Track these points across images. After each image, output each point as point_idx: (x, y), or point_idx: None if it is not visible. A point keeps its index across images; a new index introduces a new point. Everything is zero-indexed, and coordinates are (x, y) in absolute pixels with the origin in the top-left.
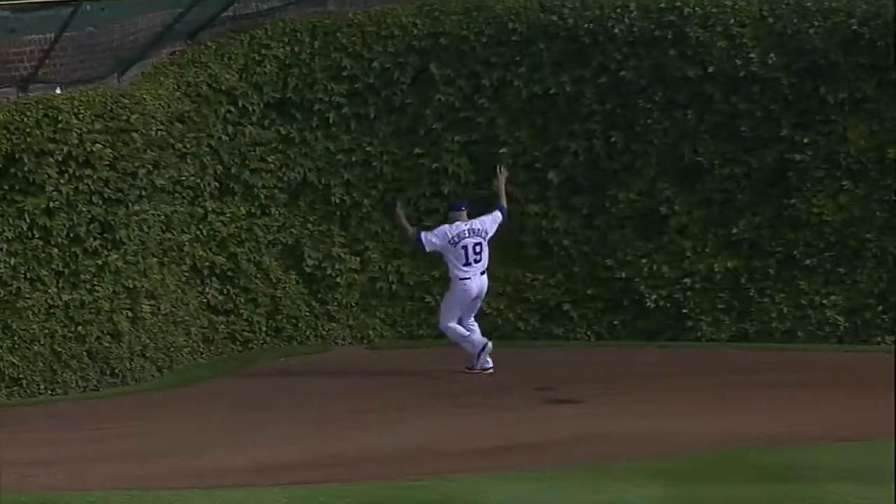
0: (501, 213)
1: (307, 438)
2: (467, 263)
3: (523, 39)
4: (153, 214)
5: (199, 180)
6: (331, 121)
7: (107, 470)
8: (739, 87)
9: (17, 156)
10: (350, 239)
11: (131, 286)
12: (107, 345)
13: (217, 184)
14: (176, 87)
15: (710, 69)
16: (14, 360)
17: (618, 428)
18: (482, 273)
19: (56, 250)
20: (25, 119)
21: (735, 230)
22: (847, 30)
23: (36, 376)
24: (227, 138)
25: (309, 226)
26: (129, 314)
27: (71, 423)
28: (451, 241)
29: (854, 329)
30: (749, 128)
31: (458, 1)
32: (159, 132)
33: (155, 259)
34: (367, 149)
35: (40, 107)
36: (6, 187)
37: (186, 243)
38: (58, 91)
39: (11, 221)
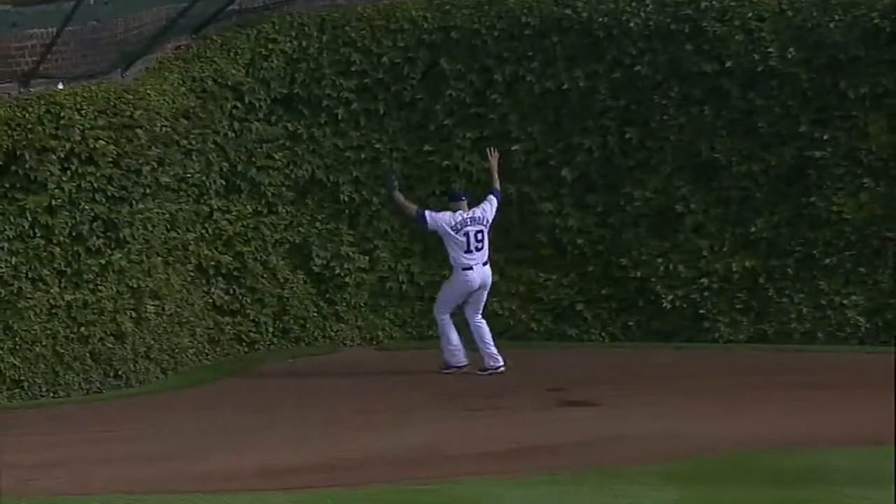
0: (496, 196)
1: (314, 441)
2: (469, 251)
3: (536, 33)
4: (157, 213)
5: (204, 178)
6: (339, 117)
7: (110, 473)
8: (757, 83)
9: (18, 152)
10: (359, 238)
11: (135, 286)
12: (110, 346)
13: (223, 181)
14: (181, 82)
15: (728, 64)
16: (15, 362)
17: (632, 430)
18: (485, 264)
19: (58, 249)
20: (27, 115)
21: (753, 229)
22: (868, 24)
23: (38, 378)
24: (233, 135)
25: (317, 224)
26: (133, 314)
27: (73, 425)
28: (454, 228)
29: (875, 330)
30: (767, 124)
31: None
32: (164, 128)
33: (159, 258)
34: (377, 145)
35: (42, 102)
36: (7, 185)
37: (192, 242)
38: (60, 86)
39: (13, 220)
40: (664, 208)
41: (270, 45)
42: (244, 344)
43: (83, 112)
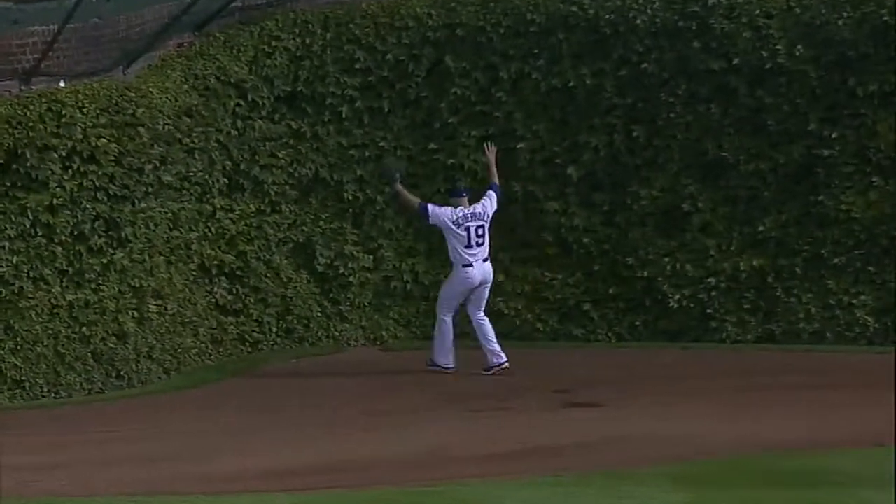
0: (495, 191)
1: (318, 442)
2: (469, 246)
3: (542, 31)
4: (160, 211)
5: (207, 176)
6: (343, 115)
7: (112, 475)
8: (765, 80)
9: (19, 151)
10: (363, 237)
11: (137, 285)
12: (112, 346)
13: (226, 180)
14: (183, 80)
15: (735, 61)
16: (16, 362)
17: (639, 431)
18: (485, 260)
19: (60, 248)
20: (28, 113)
21: (761, 228)
22: (877, 20)
23: (39, 378)
24: (236, 133)
25: (321, 223)
26: (135, 314)
27: (75, 426)
28: (455, 223)
29: (884, 330)
30: (775, 122)
31: None
32: (166, 126)
33: (162, 257)
34: (381, 144)
35: (43, 100)
36: (8, 183)
37: (194, 241)
38: (62, 84)
39: (14, 219)
40: (671, 207)
41: (274, 43)
42: (247, 344)
43: (85, 110)
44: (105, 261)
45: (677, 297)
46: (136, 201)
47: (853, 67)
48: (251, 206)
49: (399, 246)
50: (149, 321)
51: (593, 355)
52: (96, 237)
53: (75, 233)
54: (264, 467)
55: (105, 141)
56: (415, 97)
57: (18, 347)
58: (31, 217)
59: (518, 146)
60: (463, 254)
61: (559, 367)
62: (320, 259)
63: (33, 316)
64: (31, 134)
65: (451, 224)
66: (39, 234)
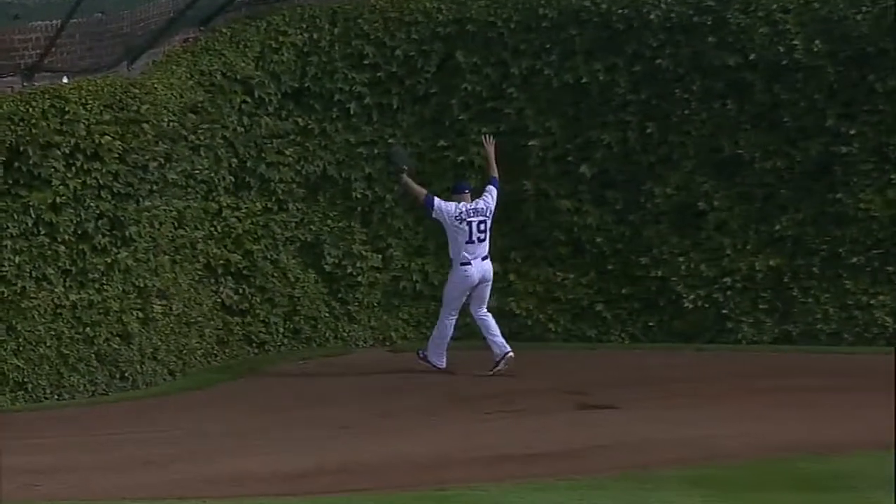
0: (495, 185)
1: (326, 444)
2: (470, 241)
3: (554, 25)
4: (165, 210)
5: (213, 174)
6: (351, 111)
7: (115, 478)
8: (782, 76)
9: (21, 148)
10: (372, 236)
11: (142, 285)
12: (116, 347)
13: (232, 178)
14: (189, 76)
15: (752, 57)
16: (19, 363)
17: (654, 434)
18: (484, 258)
19: (63, 248)
20: (31, 110)
21: (777, 226)
22: None
23: (42, 380)
24: (242, 130)
25: (328, 222)
26: (140, 315)
27: (78, 428)
28: (458, 218)
29: None
30: (792, 118)
31: None
32: (171, 123)
33: (167, 257)
34: (390, 141)
35: (46, 97)
36: (10, 181)
37: (200, 240)
38: (65, 80)
39: (16, 217)
40: (686, 205)
41: (281, 38)
42: (254, 345)
43: (88, 107)
44: (109, 260)
45: (692, 297)
46: (141, 199)
47: (871, 63)
48: (258, 204)
49: (408, 245)
50: (153, 322)
51: (606, 356)
52: (100, 236)
53: (78, 232)
54: (271, 470)
55: (109, 138)
56: (424, 93)
57: (21, 348)
58: (33, 216)
59: (530, 143)
60: (463, 251)
61: (572, 369)
62: (328, 258)
63: (36, 316)
64: (33, 131)
65: (453, 219)
66: (42, 232)
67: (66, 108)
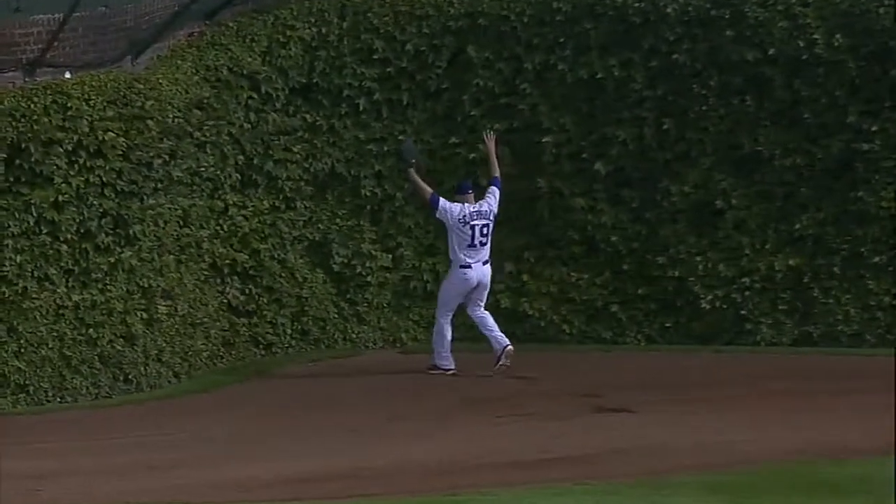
0: (497, 186)
1: (334, 449)
2: (472, 245)
3: (568, 19)
4: (170, 208)
5: (218, 172)
6: (361, 107)
7: (119, 483)
8: (802, 71)
9: (23, 145)
10: (381, 235)
11: (146, 285)
12: (120, 348)
13: (238, 175)
14: (194, 71)
15: (771, 51)
16: (20, 366)
17: (672, 438)
18: (485, 263)
19: (65, 247)
20: (32, 106)
21: (797, 225)
22: None
23: (44, 382)
24: (249, 126)
25: (337, 221)
26: (144, 315)
27: (81, 432)
28: (462, 221)
29: None
30: (812, 115)
31: None
32: (176, 120)
33: (171, 256)
34: (400, 137)
35: (48, 92)
36: (12, 179)
37: (205, 239)
38: (67, 75)
39: (17, 216)
40: (703, 204)
41: (288, 32)
42: (261, 346)
43: (91, 102)
44: (112, 260)
45: (710, 297)
46: (145, 198)
47: (894, 58)
48: (265, 202)
49: (419, 244)
50: (158, 323)
51: (622, 358)
52: (103, 235)
53: (81, 230)
54: (278, 475)
55: (112, 135)
56: (435, 89)
57: (22, 350)
58: (35, 214)
59: (543, 140)
60: (463, 254)
61: (586, 371)
62: (337, 258)
63: (38, 317)
64: (35, 127)
65: (457, 221)
66: (44, 231)
67: (69, 104)
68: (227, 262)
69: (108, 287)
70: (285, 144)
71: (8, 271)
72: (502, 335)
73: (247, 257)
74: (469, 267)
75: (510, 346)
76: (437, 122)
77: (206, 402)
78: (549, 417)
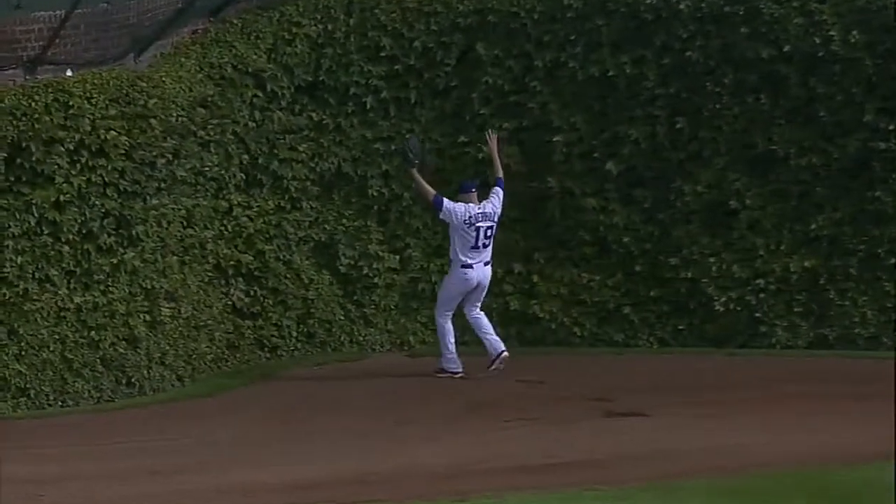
0: (501, 187)
1: (340, 453)
2: (475, 247)
3: (579, 16)
4: (173, 208)
5: (223, 171)
6: (368, 106)
7: (121, 488)
8: (818, 69)
9: (24, 144)
10: (389, 235)
11: (149, 287)
12: (122, 351)
13: (243, 175)
14: (198, 68)
15: (786, 48)
16: (21, 369)
17: (684, 443)
18: (486, 264)
19: (67, 248)
20: (33, 104)
21: (813, 226)
22: None
23: (45, 386)
24: (254, 125)
25: (344, 221)
26: (147, 318)
27: (83, 436)
28: (467, 222)
29: None
30: (828, 113)
31: None
32: (180, 118)
33: (175, 257)
34: (408, 136)
35: (49, 90)
36: (12, 178)
37: (209, 240)
38: (69, 73)
39: (18, 216)
40: (717, 204)
41: (294, 29)
42: (266, 349)
43: (93, 101)
44: (115, 261)
45: (724, 299)
46: (148, 198)
47: None
48: (270, 202)
49: (427, 245)
50: (161, 325)
51: (634, 361)
52: (105, 236)
53: (83, 231)
54: (283, 480)
55: (115, 133)
56: (444, 87)
57: (23, 353)
58: (36, 214)
59: (554, 139)
60: (465, 255)
61: (598, 374)
62: (343, 259)
63: (39, 319)
64: (36, 126)
65: (462, 222)
66: (45, 232)
67: (71, 103)
68: (232, 263)
69: (111, 289)
70: (291, 143)
71: (8, 272)
72: (498, 339)
73: (252, 258)
74: (471, 267)
75: (506, 353)
76: (446, 120)
77: (211, 405)
78: (558, 421)
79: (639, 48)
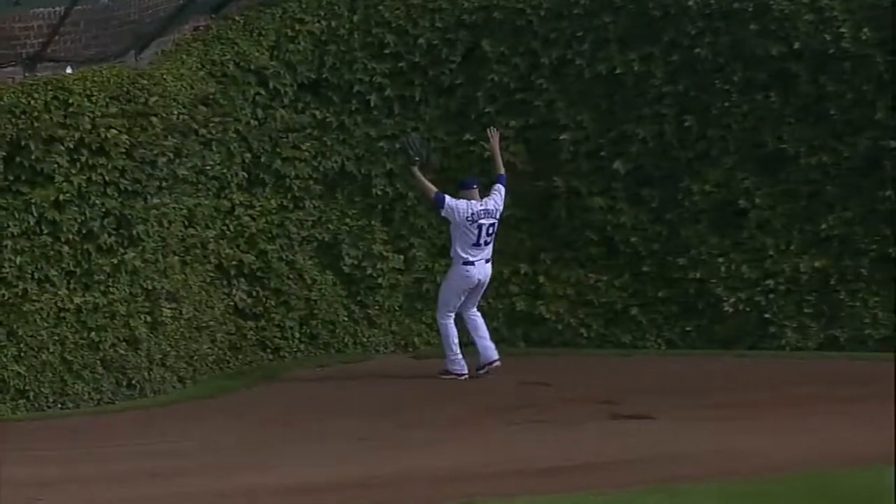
0: (503, 184)
1: (344, 456)
2: (477, 245)
3: (586, 13)
4: (174, 208)
5: (225, 170)
6: (372, 104)
7: (121, 491)
8: (828, 66)
9: (23, 143)
10: (393, 235)
11: (150, 288)
12: (123, 353)
13: (245, 174)
14: (200, 66)
15: (796, 45)
16: (20, 370)
17: (692, 446)
18: (487, 261)
19: (66, 248)
20: (33, 102)
21: (823, 226)
22: None
23: (44, 388)
24: (256, 123)
25: (347, 221)
26: (148, 319)
27: (83, 439)
28: (469, 219)
29: None
30: (839, 111)
31: None
32: (181, 116)
33: (176, 258)
34: (409, 133)
35: (49, 88)
36: (11, 178)
37: (211, 240)
38: (69, 71)
39: (17, 215)
40: (726, 203)
41: (297, 26)
42: (268, 351)
43: (94, 98)
44: (115, 261)
45: (732, 300)
46: (149, 197)
47: None
48: (272, 202)
49: (431, 245)
50: (162, 326)
51: (642, 363)
52: (106, 235)
53: (83, 231)
54: (285, 484)
55: (115, 132)
56: (449, 85)
57: (22, 354)
58: (35, 214)
59: (560, 137)
60: (466, 252)
61: (605, 376)
62: (347, 259)
63: (38, 320)
64: (35, 124)
65: (464, 219)
66: (45, 232)
67: (70, 101)
68: (234, 263)
69: (111, 289)
70: (294, 142)
71: (8, 273)
72: (492, 347)
73: (254, 258)
74: (472, 264)
75: (498, 362)
76: (451, 118)
77: (212, 407)
78: (565, 423)
79: (647, 45)
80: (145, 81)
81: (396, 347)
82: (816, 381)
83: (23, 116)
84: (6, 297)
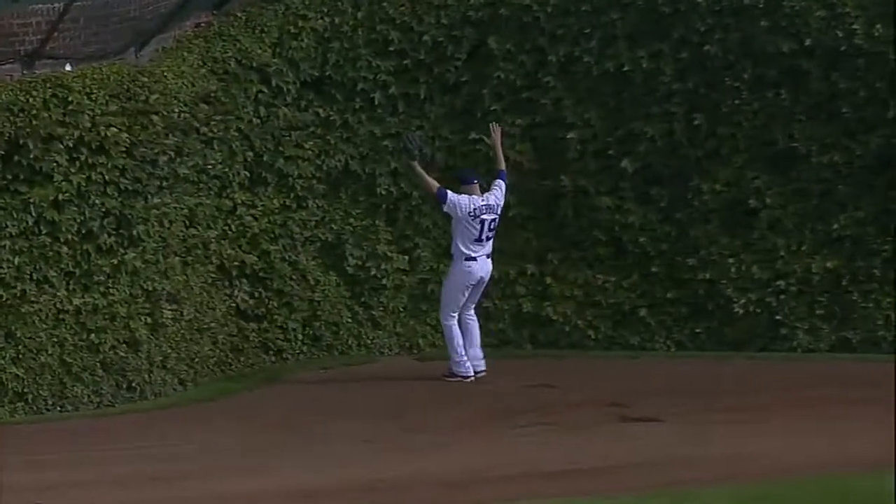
0: (503, 179)
1: (347, 460)
2: (479, 240)
3: (594, 9)
4: (175, 208)
5: (226, 169)
6: (376, 102)
7: (121, 494)
8: (840, 63)
9: (21, 141)
10: (397, 235)
11: (151, 289)
12: (123, 355)
13: (247, 173)
14: (201, 63)
15: (807, 42)
16: (18, 373)
17: (701, 449)
18: (488, 257)
19: (65, 248)
20: (31, 100)
21: (835, 225)
22: None
23: (43, 390)
24: (258, 121)
25: (351, 220)
26: (148, 320)
27: (82, 442)
28: (472, 214)
29: None
30: (851, 109)
31: None
32: (182, 114)
33: (177, 258)
34: (417, 133)
35: (48, 86)
36: (10, 177)
37: (213, 240)
38: (68, 68)
39: (15, 215)
40: (736, 203)
41: (300, 23)
42: (271, 352)
43: (93, 96)
44: (115, 261)
45: (743, 301)
46: (150, 196)
47: None
48: (275, 201)
49: (437, 245)
50: (163, 328)
51: (650, 365)
52: (106, 235)
53: (83, 231)
54: (288, 488)
55: (115, 130)
56: (454, 82)
57: (21, 356)
58: (34, 213)
59: (567, 136)
60: (468, 247)
61: (613, 378)
62: (350, 260)
63: (37, 322)
64: (34, 122)
65: (466, 215)
66: (43, 232)
67: (70, 98)
68: (236, 264)
69: (111, 290)
70: (297, 140)
71: (6, 273)
72: (480, 361)
73: (256, 259)
74: (474, 260)
75: (472, 378)
76: (456, 116)
77: (213, 410)
78: (572, 426)
79: (655, 42)
80: (146, 79)
81: (401, 349)
82: (828, 384)
83: (21, 114)
84: (4, 299)
